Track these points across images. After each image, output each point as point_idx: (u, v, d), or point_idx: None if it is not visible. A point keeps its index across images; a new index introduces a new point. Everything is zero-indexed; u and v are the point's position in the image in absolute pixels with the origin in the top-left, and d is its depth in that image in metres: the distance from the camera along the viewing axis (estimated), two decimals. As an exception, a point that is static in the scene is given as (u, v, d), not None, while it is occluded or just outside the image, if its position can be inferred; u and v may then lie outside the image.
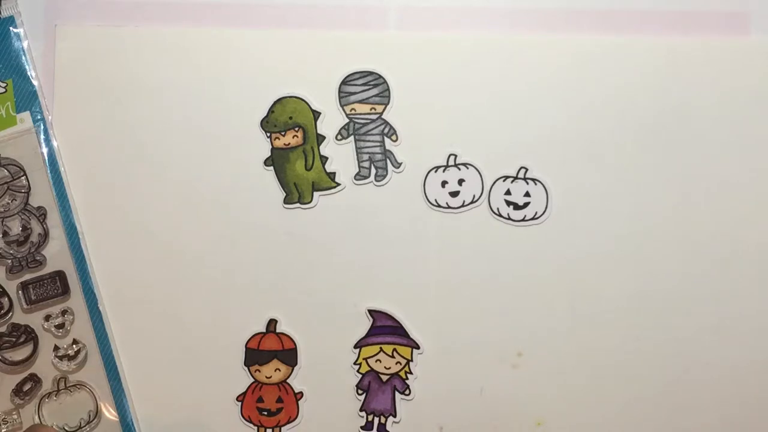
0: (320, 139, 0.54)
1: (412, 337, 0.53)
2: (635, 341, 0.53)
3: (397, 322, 0.53)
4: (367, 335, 0.54)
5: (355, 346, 0.54)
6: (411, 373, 0.53)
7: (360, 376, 0.54)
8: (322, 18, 0.55)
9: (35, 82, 0.55)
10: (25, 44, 0.55)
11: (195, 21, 0.55)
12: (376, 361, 0.54)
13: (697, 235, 0.53)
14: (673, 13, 0.55)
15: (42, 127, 0.54)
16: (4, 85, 0.54)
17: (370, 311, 0.53)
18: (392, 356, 0.53)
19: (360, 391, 0.54)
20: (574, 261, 0.53)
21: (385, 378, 0.53)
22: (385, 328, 0.53)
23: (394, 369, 0.53)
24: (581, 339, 0.53)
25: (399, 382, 0.53)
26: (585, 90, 0.54)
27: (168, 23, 0.55)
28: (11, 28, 0.55)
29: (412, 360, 0.53)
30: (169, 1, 0.55)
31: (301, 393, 0.54)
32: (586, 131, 0.54)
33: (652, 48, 0.54)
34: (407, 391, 0.53)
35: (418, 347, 0.53)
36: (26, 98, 0.54)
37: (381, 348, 0.53)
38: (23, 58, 0.55)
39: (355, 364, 0.54)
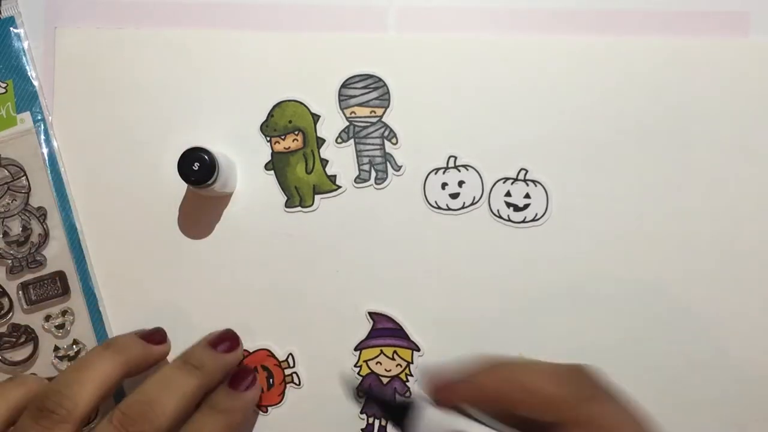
0: (320, 142, 0.54)
1: (412, 339, 0.53)
2: (635, 342, 0.53)
3: (398, 324, 0.53)
4: (368, 337, 0.54)
5: (356, 349, 0.54)
6: (411, 375, 0.53)
7: (360, 378, 0.54)
8: (320, 20, 0.55)
9: (35, 83, 0.55)
10: (25, 45, 0.55)
11: (194, 23, 0.55)
12: (376, 363, 0.54)
13: (698, 236, 0.53)
14: (673, 13, 0.54)
15: (42, 127, 0.54)
16: (4, 85, 0.54)
17: (371, 313, 0.53)
18: (393, 358, 0.53)
19: (361, 394, 0.54)
20: (574, 262, 0.53)
21: (385, 380, 0.53)
22: (386, 331, 0.53)
23: (395, 371, 0.53)
24: (581, 340, 0.53)
25: (399, 385, 0.53)
26: (585, 91, 0.54)
27: (168, 25, 0.55)
28: (11, 28, 0.55)
29: (412, 362, 0.53)
30: (169, 3, 0.55)
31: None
32: (586, 132, 0.54)
33: (652, 48, 0.54)
34: (408, 394, 0.53)
35: (418, 349, 0.53)
36: (26, 99, 0.54)
37: (381, 350, 0.54)
38: (23, 58, 0.55)
39: (355, 366, 0.54)
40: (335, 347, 0.54)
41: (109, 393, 0.45)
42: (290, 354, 0.54)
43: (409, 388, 0.53)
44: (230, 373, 0.50)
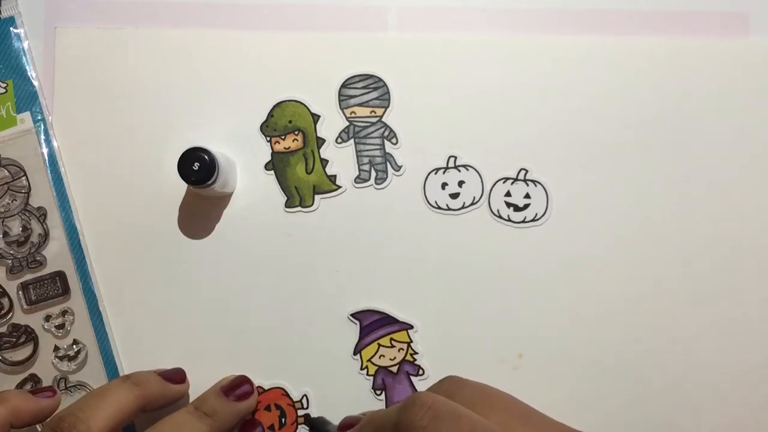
0: (320, 142, 0.54)
1: (401, 320, 0.53)
2: (636, 342, 0.53)
3: (382, 313, 0.53)
4: (360, 338, 0.53)
5: (355, 353, 0.54)
6: (416, 353, 0.53)
7: (371, 377, 0.54)
8: (321, 20, 0.55)
9: (35, 83, 0.55)
10: (25, 45, 0.55)
11: (194, 23, 0.55)
12: (379, 357, 0.53)
13: (698, 236, 0.53)
14: (673, 13, 0.55)
15: (42, 127, 0.54)
16: (4, 85, 0.54)
17: (354, 315, 0.53)
18: (392, 346, 0.53)
19: (378, 391, 0.53)
20: (574, 262, 0.53)
21: (395, 369, 0.53)
22: (374, 324, 0.53)
23: (399, 357, 0.53)
24: (582, 341, 0.53)
25: (409, 367, 0.53)
26: (585, 91, 0.54)
27: (168, 25, 0.55)
28: (11, 28, 0.55)
29: (411, 341, 0.53)
30: (169, 4, 0.55)
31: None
32: (586, 132, 0.54)
33: (652, 48, 0.54)
34: (420, 371, 0.53)
35: (411, 327, 0.53)
36: (26, 99, 0.54)
37: (378, 344, 0.53)
38: (23, 58, 0.55)
39: (361, 369, 0.54)
40: (339, 349, 0.54)
41: (122, 423, 0.46)
42: (305, 395, 0.54)
43: (419, 366, 0.53)
44: (242, 421, 0.52)
